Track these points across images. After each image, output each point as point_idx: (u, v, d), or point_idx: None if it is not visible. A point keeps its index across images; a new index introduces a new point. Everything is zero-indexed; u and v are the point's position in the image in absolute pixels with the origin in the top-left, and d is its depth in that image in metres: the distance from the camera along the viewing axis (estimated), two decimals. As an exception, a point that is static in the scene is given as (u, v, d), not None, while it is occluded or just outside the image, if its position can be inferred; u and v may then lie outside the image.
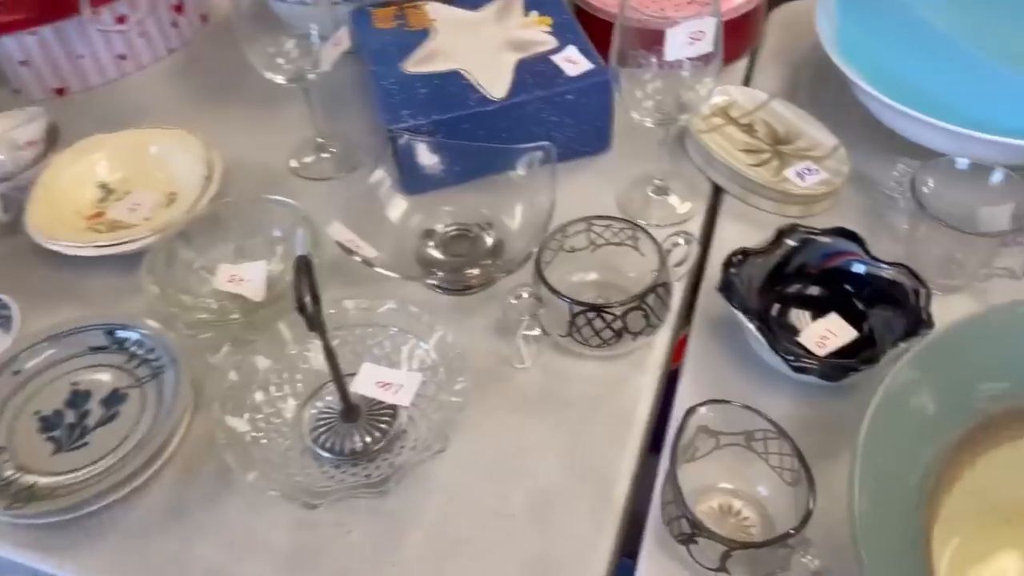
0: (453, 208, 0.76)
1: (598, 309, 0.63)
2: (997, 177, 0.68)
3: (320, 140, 0.86)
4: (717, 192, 0.81)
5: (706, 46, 0.64)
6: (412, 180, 0.77)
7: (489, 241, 0.74)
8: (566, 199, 0.77)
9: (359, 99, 0.92)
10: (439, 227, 0.75)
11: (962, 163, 0.69)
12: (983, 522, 0.56)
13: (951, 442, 0.55)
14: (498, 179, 0.76)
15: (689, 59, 0.65)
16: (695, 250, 0.69)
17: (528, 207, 0.74)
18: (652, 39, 0.65)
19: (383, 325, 0.65)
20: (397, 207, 0.75)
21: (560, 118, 0.80)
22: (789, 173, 0.77)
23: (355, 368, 0.61)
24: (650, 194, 0.79)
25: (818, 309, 0.68)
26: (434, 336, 0.64)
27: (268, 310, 0.68)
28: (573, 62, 0.80)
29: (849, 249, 0.68)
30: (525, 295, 0.66)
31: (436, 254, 0.74)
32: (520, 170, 0.75)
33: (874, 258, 0.67)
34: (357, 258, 0.67)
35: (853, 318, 0.67)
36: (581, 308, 0.63)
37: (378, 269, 0.67)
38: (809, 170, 0.77)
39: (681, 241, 0.67)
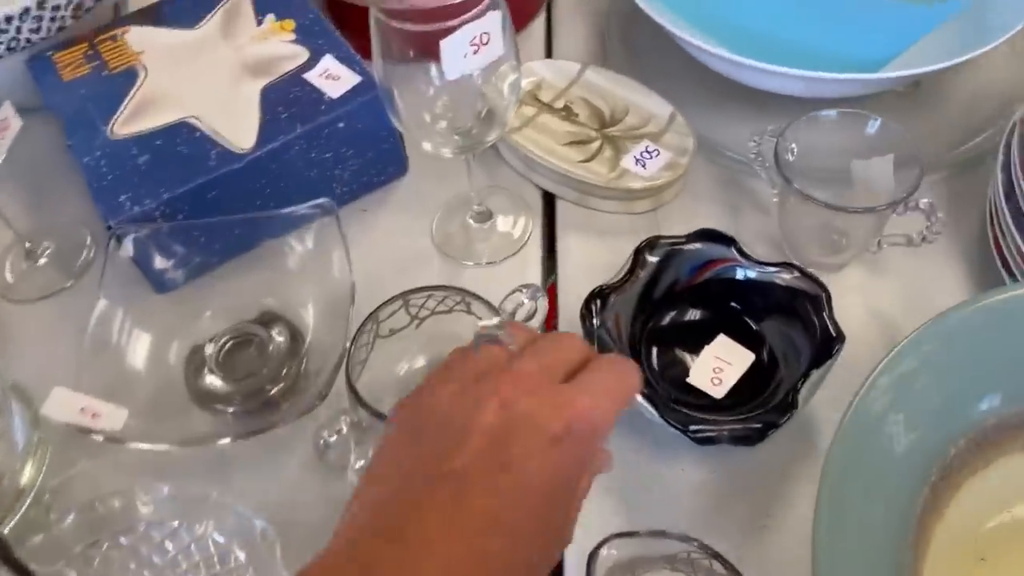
0: (221, 308, 0.58)
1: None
2: (872, 127, 0.56)
3: (28, 245, 0.65)
4: (550, 199, 0.66)
5: (495, 49, 0.48)
6: (157, 283, 0.58)
7: (281, 341, 0.57)
8: (369, 252, 0.60)
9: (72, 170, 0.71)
10: (208, 347, 0.56)
11: (827, 115, 0.57)
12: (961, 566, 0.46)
13: (931, 478, 0.44)
14: (275, 247, 0.59)
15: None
16: (544, 304, 0.54)
17: (319, 287, 0.56)
18: (425, 42, 0.48)
19: (157, 522, 0.47)
20: (140, 339, 0.55)
21: (335, 152, 0.62)
22: (627, 162, 0.63)
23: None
24: (470, 222, 0.63)
25: (703, 334, 0.55)
26: (231, 520, 0.46)
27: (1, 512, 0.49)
28: (334, 77, 0.62)
29: (722, 255, 0.55)
30: (344, 427, 0.49)
31: (216, 382, 0.55)
32: (294, 243, 0.57)
33: (753, 260, 0.55)
34: (97, 438, 0.48)
35: (746, 337, 0.55)
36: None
37: (132, 445, 0.48)
38: (649, 152, 0.63)
39: (525, 300, 0.52)
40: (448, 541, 0.28)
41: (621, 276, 0.55)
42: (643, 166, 0.62)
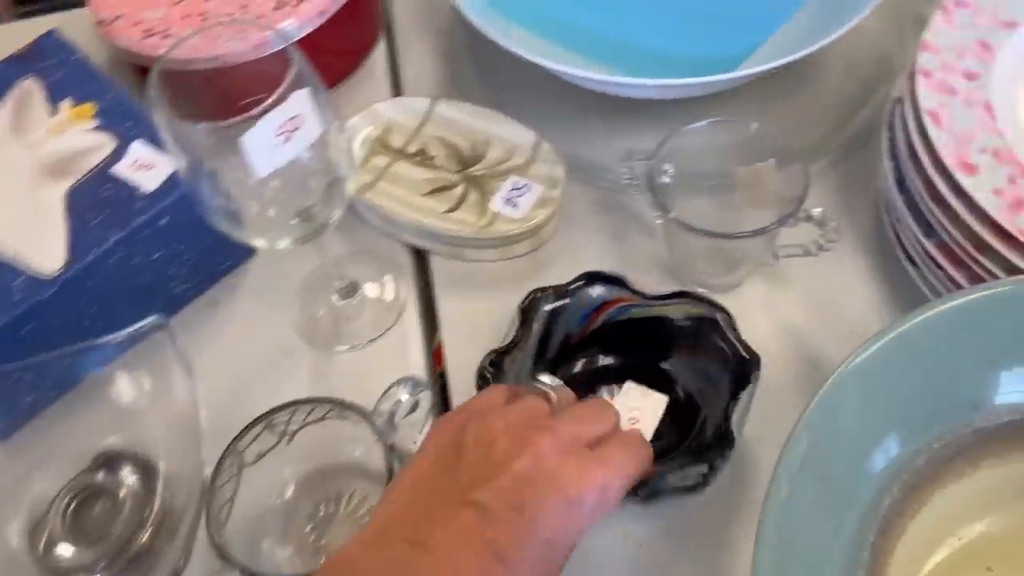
0: (54, 462, 0.49)
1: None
2: (747, 131, 0.52)
3: None
4: (421, 255, 0.60)
5: (310, 130, 0.41)
6: (-21, 444, 0.50)
7: (132, 483, 0.49)
8: (227, 353, 0.54)
9: None
10: (51, 516, 0.48)
11: (697, 127, 0.52)
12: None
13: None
14: (104, 379, 0.51)
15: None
16: (427, 396, 0.48)
17: (163, 413, 0.49)
18: (227, 134, 0.41)
19: None
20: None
21: (164, 251, 0.54)
22: (496, 204, 0.57)
23: None
24: (336, 302, 0.57)
25: (612, 382, 0.51)
26: None
27: None
28: (147, 166, 0.54)
29: (611, 296, 0.50)
30: (215, 587, 0.42)
31: (69, 553, 0.48)
32: (124, 372, 0.49)
33: (643, 295, 0.50)
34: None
35: (658, 378, 0.50)
36: (302, 581, 0.41)
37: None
38: (518, 189, 0.57)
39: (403, 396, 0.46)
40: (463, 556, 0.33)
41: (510, 339, 0.49)
42: (514, 205, 0.57)
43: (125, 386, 0.49)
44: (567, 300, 0.50)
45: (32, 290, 0.50)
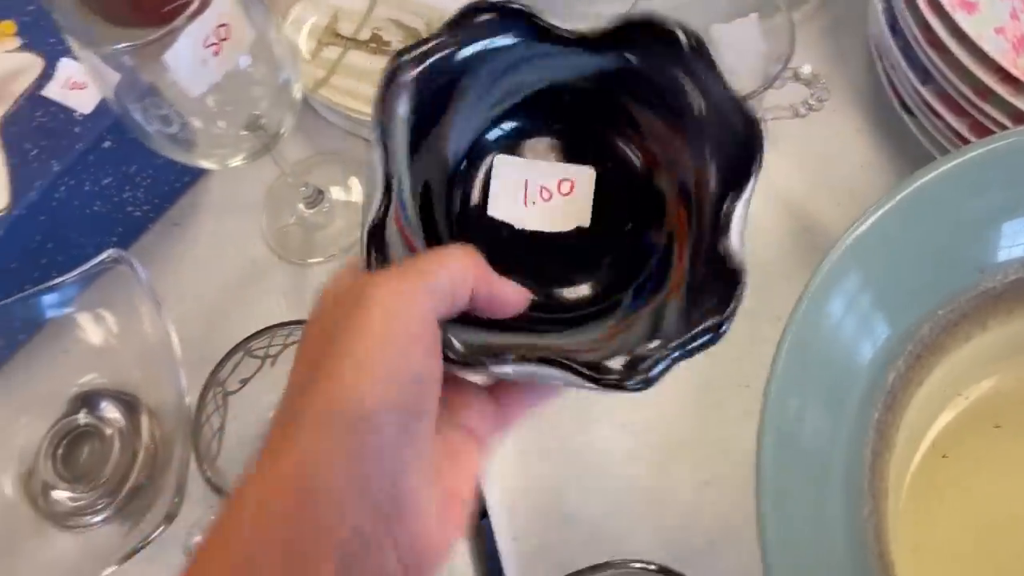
0: (34, 408, 0.48)
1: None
2: (724, -12, 0.47)
3: None
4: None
5: (242, 35, 0.37)
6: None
7: (116, 418, 0.48)
8: (196, 275, 0.52)
9: None
10: (41, 463, 0.47)
11: (672, -15, 0.47)
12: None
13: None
14: (69, 319, 0.49)
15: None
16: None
17: (136, 346, 0.47)
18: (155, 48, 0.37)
19: None
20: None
21: (114, 175, 0.51)
22: (462, 89, 0.53)
23: None
24: (304, 210, 0.54)
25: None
26: None
27: None
28: (80, 86, 0.50)
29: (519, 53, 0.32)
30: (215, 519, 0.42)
31: (66, 496, 0.47)
32: (86, 312, 0.47)
33: (569, 38, 0.31)
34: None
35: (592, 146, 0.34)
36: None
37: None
38: (484, 69, 0.53)
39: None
40: None
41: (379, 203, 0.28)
42: (480, 89, 0.53)
43: (91, 324, 0.47)
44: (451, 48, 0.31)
45: (-22, 233, 0.47)
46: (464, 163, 0.34)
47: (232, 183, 0.56)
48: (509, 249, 0.32)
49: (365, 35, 0.56)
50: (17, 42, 0.52)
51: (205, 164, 0.43)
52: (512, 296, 0.28)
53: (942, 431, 0.42)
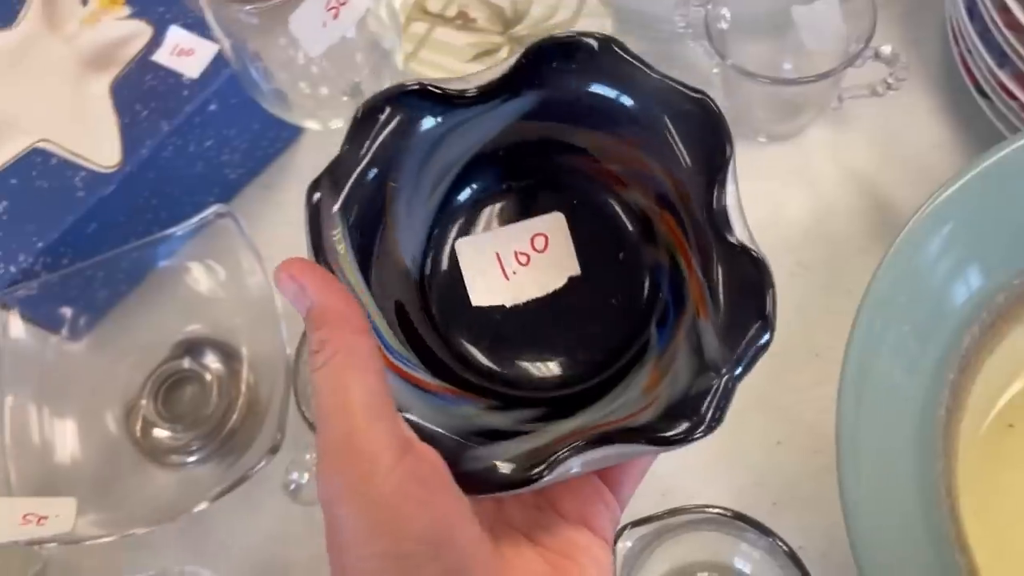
0: (139, 352, 0.51)
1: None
2: (808, -32, 0.49)
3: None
4: (468, 123, 0.59)
5: (358, 3, 0.39)
6: (61, 340, 0.52)
7: (217, 368, 0.51)
8: (286, 234, 0.54)
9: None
10: (143, 401, 0.50)
11: (756, -34, 0.49)
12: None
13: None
14: (175, 268, 0.52)
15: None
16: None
17: (238, 297, 0.50)
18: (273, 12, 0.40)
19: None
20: (66, 423, 0.49)
21: (215, 137, 0.54)
22: (545, 64, 0.55)
23: None
24: (389, 176, 0.56)
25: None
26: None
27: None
28: (187, 52, 0.53)
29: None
30: (312, 464, 0.45)
31: (165, 435, 0.50)
32: (193, 261, 0.50)
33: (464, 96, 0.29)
34: (50, 546, 0.43)
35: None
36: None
37: (96, 541, 0.43)
38: (566, 46, 0.55)
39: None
40: None
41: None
42: (563, 65, 0.55)
43: (197, 275, 0.50)
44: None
45: (94, 187, 0.50)
46: (427, 264, 0.30)
47: (319, 151, 0.59)
48: (513, 331, 0.29)
49: (451, 12, 0.58)
50: (127, 10, 0.55)
51: (309, 124, 0.46)
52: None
53: (1010, 401, 0.43)
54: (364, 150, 0.28)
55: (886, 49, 0.47)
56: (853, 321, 0.38)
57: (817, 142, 0.53)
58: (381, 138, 0.28)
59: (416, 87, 0.28)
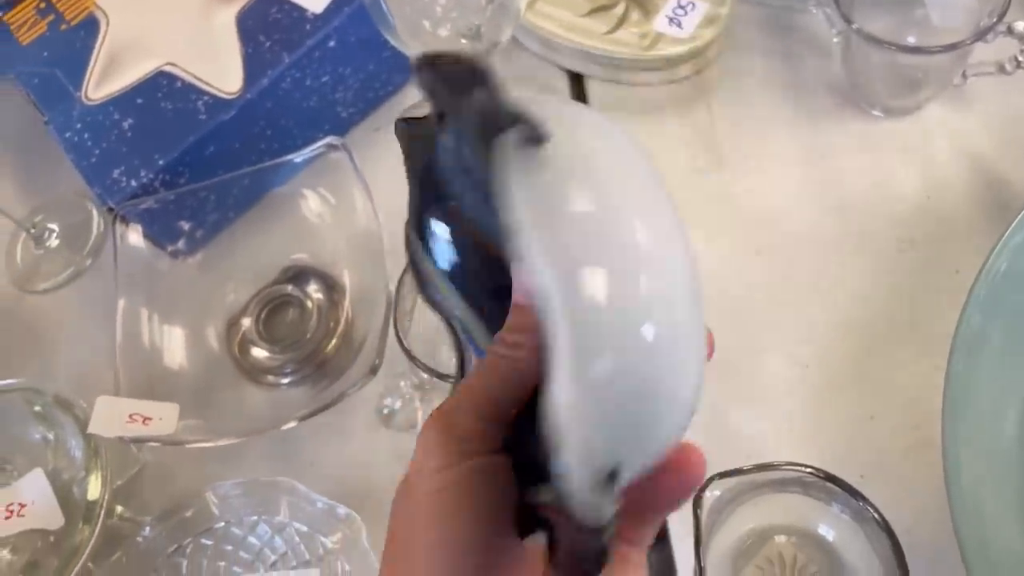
0: (245, 273, 0.53)
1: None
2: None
3: (32, 230, 0.60)
4: (577, 79, 0.59)
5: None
6: (172, 256, 0.54)
7: (319, 297, 0.53)
8: (392, 176, 0.54)
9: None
10: (245, 320, 0.52)
11: (889, -67, 0.48)
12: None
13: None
14: (286, 196, 0.54)
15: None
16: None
17: (344, 230, 0.51)
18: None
19: (235, 519, 0.45)
20: (173, 330, 0.51)
21: (332, 74, 0.55)
22: (659, 24, 0.55)
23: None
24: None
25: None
26: (312, 509, 0.44)
27: (77, 533, 0.47)
28: (312, -13, 0.54)
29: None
30: (406, 392, 0.46)
31: (263, 355, 0.52)
32: (307, 190, 0.52)
33: None
34: (153, 445, 0.46)
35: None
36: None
37: (194, 444, 0.45)
38: (682, 7, 0.55)
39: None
40: None
41: None
42: (678, 25, 0.55)
43: (310, 203, 0.52)
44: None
45: (215, 111, 0.52)
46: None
47: (427, 97, 0.60)
48: None
49: (570, -34, 0.58)
50: (257, -55, 0.57)
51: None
52: None
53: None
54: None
55: (1020, 25, 0.45)
56: (968, 294, 0.37)
57: (935, 119, 0.52)
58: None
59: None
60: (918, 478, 0.43)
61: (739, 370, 0.48)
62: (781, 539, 0.43)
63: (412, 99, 0.60)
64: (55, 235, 0.60)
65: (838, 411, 0.46)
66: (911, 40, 0.52)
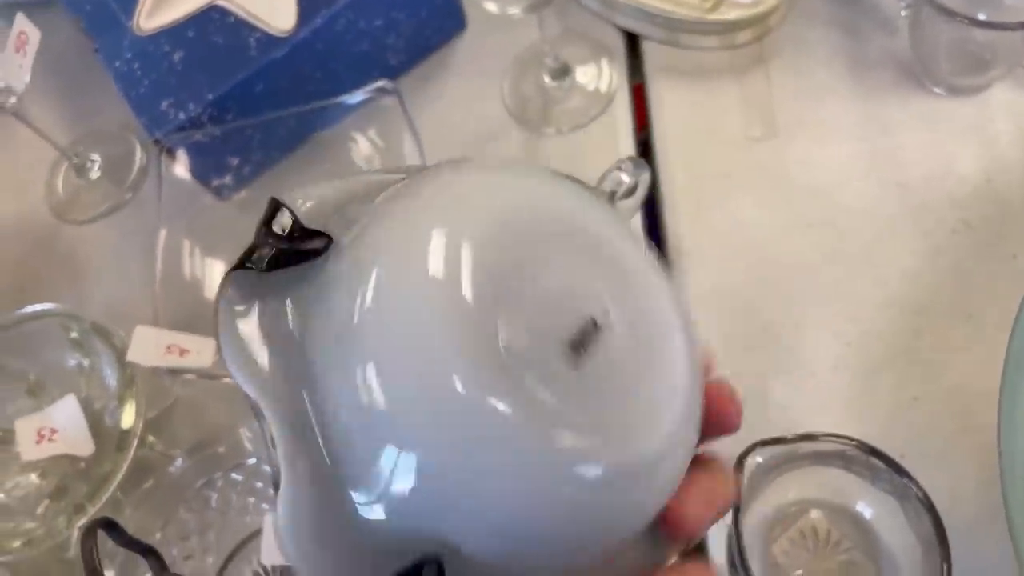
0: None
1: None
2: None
3: (75, 160, 0.60)
4: (633, 40, 0.58)
5: None
6: (216, 192, 0.53)
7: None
8: (439, 126, 0.55)
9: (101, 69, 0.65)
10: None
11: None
12: None
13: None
14: (334, 137, 0.53)
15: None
16: (646, 179, 0.47)
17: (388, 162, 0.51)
18: None
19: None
20: (213, 263, 0.51)
21: (384, 17, 0.55)
22: (722, -13, 0.54)
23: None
24: (546, 81, 0.56)
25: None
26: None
27: (108, 461, 0.48)
28: (370, -72, 0.53)
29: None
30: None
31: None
32: (356, 132, 0.51)
33: None
34: (189, 377, 0.45)
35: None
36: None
37: (229, 379, 0.45)
38: (747, -29, 0.54)
39: (625, 178, 0.46)
40: None
41: None
42: (741, -10, 0.53)
43: (357, 146, 0.51)
44: None
45: (266, 49, 0.51)
46: None
47: (478, 48, 0.59)
48: None
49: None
50: None
51: (488, 6, 0.46)
52: None
53: None
54: None
55: (1103, 5, 0.44)
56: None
57: (1000, 101, 0.50)
58: None
59: None
60: (959, 462, 0.43)
61: (782, 343, 0.47)
62: (816, 514, 0.42)
63: (461, 51, 0.59)
64: (97, 166, 0.60)
65: (882, 390, 0.45)
66: (980, 17, 0.50)
